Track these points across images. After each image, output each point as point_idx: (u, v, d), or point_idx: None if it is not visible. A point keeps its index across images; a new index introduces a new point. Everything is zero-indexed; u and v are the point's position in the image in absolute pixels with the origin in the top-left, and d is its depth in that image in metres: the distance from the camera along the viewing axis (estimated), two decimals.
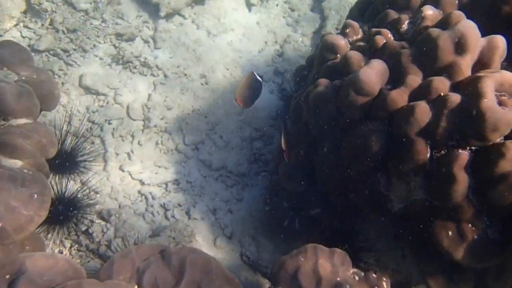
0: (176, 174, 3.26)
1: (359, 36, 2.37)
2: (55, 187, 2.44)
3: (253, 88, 2.59)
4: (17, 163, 1.91)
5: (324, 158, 2.20)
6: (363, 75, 1.87)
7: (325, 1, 4.71)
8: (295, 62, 4.35)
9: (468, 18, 2.09)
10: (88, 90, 3.41)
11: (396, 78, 1.91)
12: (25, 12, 3.64)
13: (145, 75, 3.70)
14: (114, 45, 3.73)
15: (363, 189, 1.94)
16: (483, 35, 1.76)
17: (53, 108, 2.38)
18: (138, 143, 3.32)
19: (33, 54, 3.12)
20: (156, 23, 4.01)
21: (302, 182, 2.46)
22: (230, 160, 3.41)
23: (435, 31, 1.78)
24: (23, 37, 3.56)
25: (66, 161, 2.62)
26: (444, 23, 1.85)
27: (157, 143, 3.37)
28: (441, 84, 1.73)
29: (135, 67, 3.67)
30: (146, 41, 3.91)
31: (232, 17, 4.45)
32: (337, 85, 2.08)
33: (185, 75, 3.82)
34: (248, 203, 3.22)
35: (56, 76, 3.34)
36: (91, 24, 3.68)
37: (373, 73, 1.88)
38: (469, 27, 1.70)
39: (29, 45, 3.51)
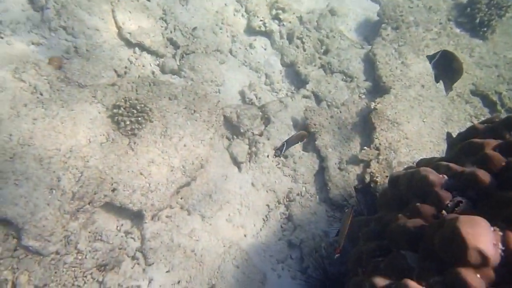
0: None
1: None
2: None
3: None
4: None
5: None
6: None
7: (318, 139, 4.30)
8: (307, 223, 3.78)
9: None
10: None
11: None
12: None
13: None
14: (97, 281, 3.04)
15: None
16: None
17: None
18: None
19: None
20: (141, 229, 3.38)
21: None
22: None
23: None
24: None
25: None
26: None
27: None
28: None
29: None
30: (134, 258, 3.24)
31: (224, 188, 3.90)
32: None
33: None
34: None
35: None
36: (65, 264, 2.99)
37: None
38: None
39: None
